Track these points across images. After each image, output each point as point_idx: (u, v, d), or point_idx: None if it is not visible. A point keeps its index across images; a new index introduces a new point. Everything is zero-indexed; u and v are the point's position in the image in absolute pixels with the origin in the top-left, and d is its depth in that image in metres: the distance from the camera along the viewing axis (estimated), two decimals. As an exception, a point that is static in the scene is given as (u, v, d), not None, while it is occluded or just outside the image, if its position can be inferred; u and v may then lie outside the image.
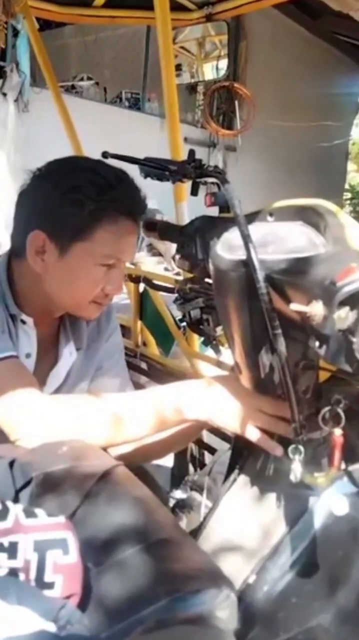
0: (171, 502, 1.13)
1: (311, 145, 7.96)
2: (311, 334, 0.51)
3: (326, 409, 0.65)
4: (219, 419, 0.75)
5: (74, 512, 0.56)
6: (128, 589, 0.44)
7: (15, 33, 4.47)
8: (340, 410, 0.66)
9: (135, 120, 6.11)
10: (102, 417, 0.77)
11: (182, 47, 2.08)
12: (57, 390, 0.97)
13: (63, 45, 6.71)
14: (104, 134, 4.98)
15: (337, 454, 0.66)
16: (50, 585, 0.42)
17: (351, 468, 0.71)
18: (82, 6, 1.69)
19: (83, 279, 0.89)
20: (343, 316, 0.47)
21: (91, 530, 0.53)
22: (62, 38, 6.66)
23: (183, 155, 1.30)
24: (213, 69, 2.17)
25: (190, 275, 0.90)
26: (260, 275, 0.57)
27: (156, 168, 0.86)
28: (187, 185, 0.97)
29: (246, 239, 0.58)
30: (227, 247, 0.66)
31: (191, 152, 0.87)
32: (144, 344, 1.74)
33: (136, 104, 6.47)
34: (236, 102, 7.00)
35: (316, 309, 0.49)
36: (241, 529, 0.76)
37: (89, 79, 6.12)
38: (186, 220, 1.30)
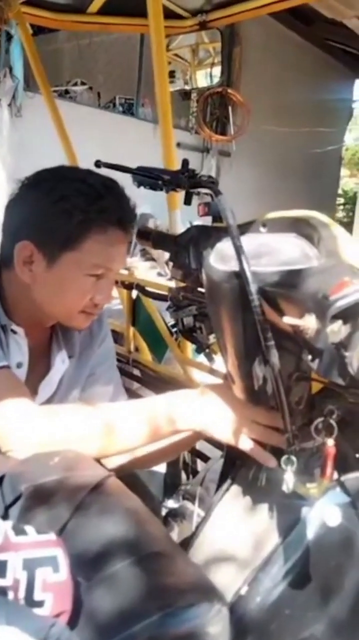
0: (164, 511, 1.13)
1: (305, 151, 8.01)
2: (304, 347, 0.51)
3: (319, 420, 0.65)
4: (212, 429, 0.75)
5: (65, 524, 0.55)
6: (119, 604, 0.44)
7: (9, 37, 4.47)
8: (333, 421, 0.66)
9: (128, 126, 6.12)
10: (95, 428, 0.76)
11: (175, 55, 2.09)
12: (50, 399, 0.96)
13: (57, 49, 6.72)
14: (98, 139, 4.99)
15: (329, 465, 0.66)
16: (40, 604, 0.41)
17: (343, 478, 0.71)
18: (76, 13, 1.69)
19: (72, 289, 0.88)
20: (336, 330, 0.47)
21: (82, 543, 0.53)
22: (55, 42, 6.66)
23: (176, 162, 1.31)
24: (207, 76, 2.18)
25: (183, 284, 0.90)
26: (253, 287, 0.57)
27: (149, 177, 0.87)
28: (181, 193, 0.97)
29: (239, 251, 0.58)
30: (220, 258, 0.66)
31: (185, 162, 0.87)
32: (137, 350, 1.73)
33: (129, 109, 6.48)
34: (230, 108, 7.03)
35: (309, 323, 0.49)
36: (234, 539, 0.76)
37: (83, 83, 6.12)
38: (179, 228, 1.30)
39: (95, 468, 0.68)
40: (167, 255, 0.91)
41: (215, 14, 1.66)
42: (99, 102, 6.52)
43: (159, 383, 1.60)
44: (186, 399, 0.78)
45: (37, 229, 0.88)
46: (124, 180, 0.93)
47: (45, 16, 1.67)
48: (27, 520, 0.57)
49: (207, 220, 0.87)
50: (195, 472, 1.39)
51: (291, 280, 0.55)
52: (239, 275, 0.59)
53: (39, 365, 0.95)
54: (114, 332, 1.83)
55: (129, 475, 1.11)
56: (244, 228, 0.74)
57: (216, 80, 1.96)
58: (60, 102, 2.10)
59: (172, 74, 2.26)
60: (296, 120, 7.32)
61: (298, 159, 8.03)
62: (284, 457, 0.66)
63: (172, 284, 0.93)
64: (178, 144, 6.41)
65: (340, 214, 11.30)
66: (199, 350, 1.08)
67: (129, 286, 1.54)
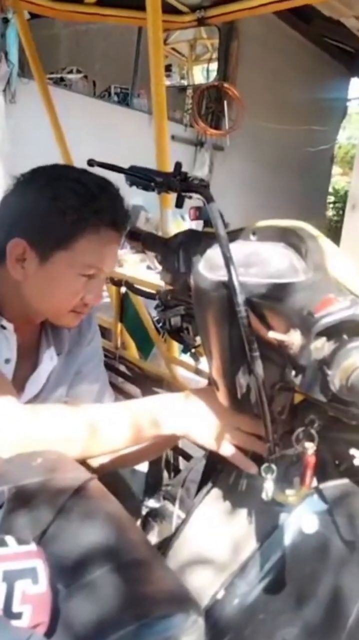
0: (144, 510, 1.14)
1: (298, 149, 8.02)
2: (288, 361, 0.52)
3: (300, 429, 0.66)
4: (195, 435, 0.76)
5: (47, 528, 0.56)
6: (96, 613, 0.44)
7: (5, 21, 4.39)
8: (313, 431, 0.67)
9: (123, 116, 6.07)
10: (78, 429, 0.76)
11: (173, 49, 2.07)
12: (37, 395, 0.96)
13: (53, 35, 6.61)
14: (92, 128, 4.94)
15: (309, 474, 0.67)
16: (18, 616, 0.41)
17: (321, 486, 0.73)
18: (74, 2, 1.67)
19: (63, 288, 0.88)
20: (319, 346, 0.48)
21: (62, 548, 0.53)
22: (52, 28, 6.56)
23: (169, 158, 1.30)
24: (203, 72, 2.17)
25: (171, 287, 0.90)
26: (240, 298, 0.57)
27: (141, 178, 0.86)
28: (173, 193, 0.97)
29: (228, 261, 0.58)
30: (209, 266, 0.67)
31: (178, 165, 0.87)
32: (124, 346, 1.73)
33: (124, 100, 6.42)
34: (225, 102, 7.00)
35: (294, 338, 0.49)
36: (212, 543, 0.76)
37: (79, 71, 6.04)
38: (170, 227, 1.30)
39: (77, 470, 0.68)
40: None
41: (214, 10, 1.65)
42: (95, 91, 6.44)
43: (144, 380, 1.60)
44: (171, 403, 0.78)
45: (31, 227, 0.87)
46: (118, 175, 0.92)
47: (43, 4, 1.65)
48: (9, 524, 0.57)
49: (198, 225, 0.87)
50: (177, 471, 1.40)
51: (278, 293, 0.55)
52: (228, 286, 0.60)
53: (27, 361, 0.95)
54: (101, 327, 1.83)
55: (110, 473, 1.11)
56: (234, 235, 0.74)
57: (213, 76, 1.94)
58: (54, 90, 2.08)
59: (168, 68, 2.26)
60: (291, 117, 7.31)
61: (291, 155, 8.03)
62: (264, 466, 0.67)
63: (161, 281, 0.93)
64: (172, 137, 6.37)
65: (330, 212, 11.35)
66: (185, 350, 1.08)
67: (118, 282, 1.54)
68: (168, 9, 1.62)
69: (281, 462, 0.70)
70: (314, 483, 0.72)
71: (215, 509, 0.80)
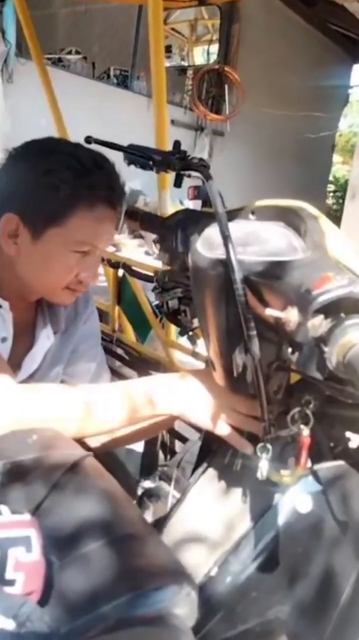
0: (140, 491, 1.14)
1: (299, 135, 7.95)
2: (284, 339, 0.51)
3: (296, 409, 0.66)
4: (191, 415, 0.76)
5: (41, 503, 0.56)
6: (90, 584, 0.45)
7: (2, 0, 4.30)
8: (309, 412, 0.67)
9: (122, 98, 6.00)
10: (74, 408, 0.76)
11: (173, 29, 2.04)
12: (33, 374, 0.96)
13: (52, 14, 6.51)
14: (90, 110, 4.88)
15: (304, 454, 0.67)
16: (11, 583, 0.42)
17: (316, 467, 0.73)
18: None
19: (56, 265, 0.87)
20: (317, 324, 0.47)
21: (56, 522, 0.53)
22: (51, 7, 6.45)
23: (169, 140, 1.28)
24: (204, 53, 2.13)
25: (169, 268, 0.90)
26: (238, 276, 0.57)
27: (140, 157, 0.85)
28: (171, 173, 0.96)
29: (227, 239, 0.57)
30: (208, 245, 0.66)
31: (177, 143, 0.86)
32: (121, 329, 1.73)
33: (124, 82, 6.34)
34: (226, 87, 6.92)
35: (291, 316, 0.49)
36: (206, 521, 0.77)
37: (77, 52, 5.96)
38: (169, 207, 1.29)
39: (72, 447, 0.68)
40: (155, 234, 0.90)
41: (215, -11, 1.62)
42: (94, 72, 6.36)
43: (141, 363, 1.60)
44: (167, 383, 0.78)
45: (23, 202, 0.86)
46: (115, 156, 0.91)
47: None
48: (3, 497, 0.57)
49: (197, 204, 0.86)
50: (173, 453, 1.41)
51: (276, 271, 0.55)
52: (225, 263, 0.59)
53: (24, 340, 0.94)
54: (99, 310, 1.82)
55: (106, 453, 1.12)
56: (233, 214, 0.74)
57: (213, 58, 1.91)
58: (53, 71, 2.05)
59: (168, 49, 2.23)
60: (292, 104, 7.25)
61: (292, 142, 7.97)
62: (259, 445, 0.67)
63: (159, 264, 0.92)
64: (172, 121, 6.31)
65: (330, 201, 11.29)
66: (182, 332, 1.08)
67: (115, 265, 1.53)
68: (169, -13, 1.59)
69: (276, 442, 0.70)
70: (309, 465, 0.72)
71: (210, 488, 0.80)
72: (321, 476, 0.73)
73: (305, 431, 0.67)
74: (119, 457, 1.25)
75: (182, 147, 0.86)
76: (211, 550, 0.73)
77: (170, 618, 0.43)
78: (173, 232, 0.81)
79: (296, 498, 0.71)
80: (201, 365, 1.23)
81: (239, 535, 0.72)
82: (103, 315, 1.77)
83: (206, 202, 0.84)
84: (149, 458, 1.22)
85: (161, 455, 1.39)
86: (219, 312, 0.63)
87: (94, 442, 0.88)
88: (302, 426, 0.67)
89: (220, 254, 0.62)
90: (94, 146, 0.90)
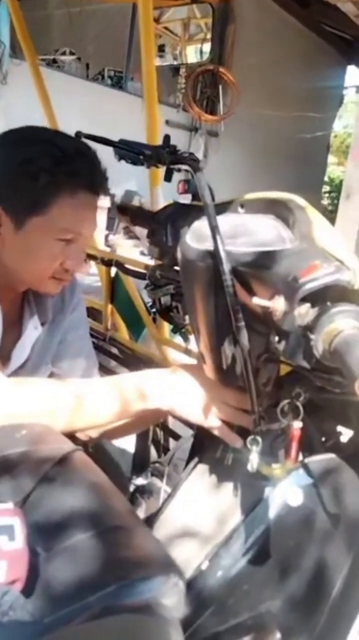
0: (132, 488, 1.14)
1: (294, 136, 7.97)
2: (272, 328, 0.51)
3: (285, 402, 0.66)
4: (181, 409, 0.76)
5: (28, 495, 0.55)
6: (76, 575, 0.44)
7: (-4, 0, 4.30)
8: (299, 404, 0.67)
9: (117, 99, 5.99)
10: (63, 402, 0.76)
11: (166, 28, 2.04)
12: (23, 365, 0.96)
13: (46, 16, 6.50)
14: (84, 111, 4.88)
15: (294, 447, 0.67)
16: (-6, 571, 0.41)
17: (307, 460, 0.73)
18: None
19: (40, 253, 0.86)
20: (303, 312, 0.47)
21: (43, 514, 0.53)
22: (45, 8, 6.45)
23: (160, 138, 1.28)
24: (197, 52, 2.14)
25: (159, 262, 0.90)
26: (226, 267, 0.56)
27: (130, 151, 0.85)
28: (162, 170, 0.96)
29: (214, 230, 0.57)
30: (196, 237, 0.66)
31: (166, 138, 0.86)
32: (115, 327, 1.73)
33: (118, 82, 6.33)
34: (220, 87, 6.93)
35: (278, 304, 0.49)
36: (197, 516, 0.77)
37: (72, 53, 5.95)
38: (160, 205, 1.29)
39: (62, 442, 0.68)
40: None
41: (207, -13, 1.62)
42: (88, 73, 6.36)
43: (135, 361, 1.60)
44: (157, 377, 0.78)
45: (4, 192, 0.85)
46: (106, 154, 0.91)
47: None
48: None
49: (186, 198, 0.86)
50: (166, 450, 1.40)
51: (263, 261, 0.55)
52: (214, 255, 0.59)
53: (11, 331, 0.94)
54: (93, 309, 1.82)
55: (99, 451, 1.11)
56: (223, 208, 0.73)
57: (206, 56, 1.91)
58: (47, 72, 2.04)
59: (161, 48, 2.22)
60: (286, 104, 7.26)
61: (286, 143, 7.98)
62: (249, 438, 0.67)
63: (152, 261, 0.92)
64: (166, 122, 6.31)
65: (326, 202, 11.32)
66: (175, 330, 1.08)
67: (108, 263, 1.53)
68: (161, -15, 1.59)
69: (267, 435, 0.70)
70: (300, 458, 0.72)
71: (201, 483, 0.80)
72: (312, 469, 0.73)
73: (295, 424, 0.67)
74: (112, 455, 1.25)
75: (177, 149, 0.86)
76: (202, 544, 0.73)
77: (157, 608, 0.43)
78: (163, 226, 0.81)
79: (287, 491, 0.70)
80: (193, 362, 1.22)
81: (230, 529, 0.72)
82: (97, 315, 1.76)
83: (196, 196, 0.84)
84: (141, 455, 1.22)
85: (154, 452, 1.39)
86: (208, 304, 0.63)
87: (83, 436, 0.88)
88: (292, 418, 0.67)
89: (209, 245, 0.62)
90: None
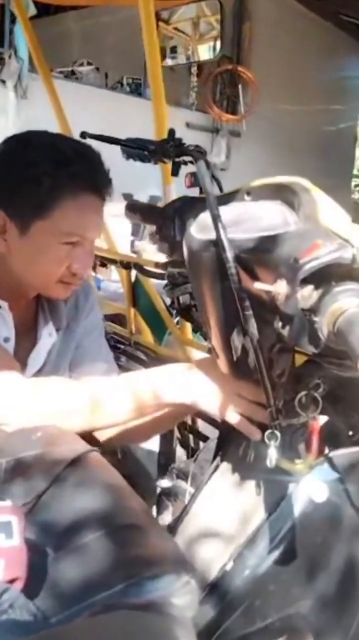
0: (158, 490, 1.13)
1: (318, 130, 7.84)
2: (276, 314, 0.49)
3: (302, 393, 0.63)
4: (198, 402, 0.74)
5: (40, 495, 0.55)
6: (84, 575, 0.43)
7: (13, 19, 4.40)
8: (317, 395, 0.64)
9: (136, 106, 6.02)
10: (81, 402, 0.76)
11: (175, 28, 2.03)
12: (39, 372, 0.96)
13: (65, 31, 6.63)
14: (104, 120, 4.92)
15: (314, 440, 0.65)
16: (-9, 570, 0.41)
17: (332, 454, 0.70)
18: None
19: (46, 258, 0.86)
20: (307, 295, 0.45)
21: (55, 514, 0.52)
22: (63, 24, 6.57)
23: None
24: (210, 50, 2.12)
25: (170, 259, 0.88)
26: (229, 254, 0.55)
27: (134, 148, 0.84)
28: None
29: (215, 217, 0.56)
30: (200, 228, 0.64)
31: (171, 132, 0.85)
32: (138, 331, 1.72)
33: (137, 89, 6.38)
34: (240, 86, 6.89)
35: (280, 288, 0.47)
36: (221, 515, 0.75)
37: (89, 64, 6.03)
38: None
39: (76, 443, 0.67)
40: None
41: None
42: (107, 82, 6.43)
43: (160, 364, 1.58)
44: (173, 373, 0.77)
45: (7, 198, 0.86)
46: (116, 156, 0.90)
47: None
48: (3, 493, 0.57)
49: (195, 192, 0.84)
50: (195, 453, 1.38)
51: (265, 245, 0.53)
52: (217, 244, 0.57)
53: (27, 339, 0.94)
54: (117, 315, 1.81)
55: (127, 455, 1.11)
56: (229, 197, 0.72)
57: (217, 52, 1.90)
58: (66, 84, 2.06)
59: (174, 50, 2.21)
60: (308, 98, 7.16)
61: (311, 138, 7.86)
62: (267, 432, 0.65)
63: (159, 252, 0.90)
64: (187, 124, 6.31)
65: (356, 196, 11.08)
66: (195, 329, 1.06)
67: (127, 266, 1.52)
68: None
69: (287, 431, 0.68)
70: (326, 452, 0.69)
71: (224, 482, 0.78)
72: (338, 463, 0.70)
73: (314, 416, 0.65)
74: (139, 458, 1.24)
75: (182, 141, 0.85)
76: (226, 544, 0.71)
77: (165, 606, 0.42)
78: (171, 220, 0.80)
79: (311, 487, 0.68)
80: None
81: (254, 528, 0.69)
82: (123, 320, 1.77)
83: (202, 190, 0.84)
84: (165, 457, 1.20)
85: (184, 456, 1.37)
86: (215, 294, 0.61)
87: (106, 437, 0.87)
88: (312, 412, 0.64)
89: (212, 235, 0.60)
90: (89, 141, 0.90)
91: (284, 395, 0.66)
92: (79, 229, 0.86)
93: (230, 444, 0.80)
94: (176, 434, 1.29)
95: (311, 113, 7.31)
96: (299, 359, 0.65)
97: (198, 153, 0.75)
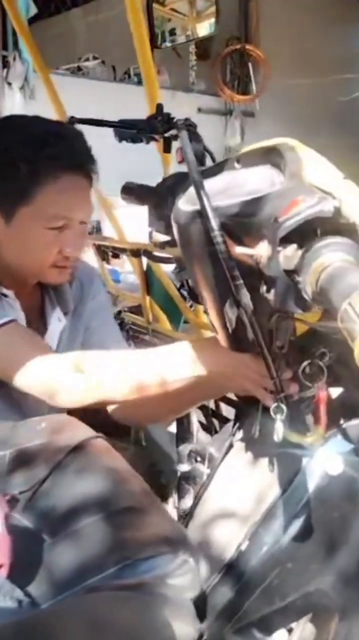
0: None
1: (332, 101, 7.63)
2: (260, 278, 0.47)
3: (306, 362, 0.60)
4: (210, 375, 0.72)
5: (41, 483, 0.54)
6: (79, 559, 0.43)
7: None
8: (322, 364, 0.62)
9: (144, 95, 5.99)
10: (123, 374, 0.75)
11: (172, 9, 1.99)
12: None
13: (67, 29, 6.62)
14: (113, 112, 4.90)
15: (322, 411, 0.62)
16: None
17: (345, 425, 0.67)
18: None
19: (34, 244, 0.85)
20: (290, 255, 0.42)
21: (54, 501, 0.52)
22: (66, 22, 6.56)
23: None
24: (210, 27, 2.07)
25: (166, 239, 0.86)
26: (214, 222, 0.52)
27: (122, 128, 0.82)
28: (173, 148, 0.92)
29: (197, 185, 0.53)
30: (188, 201, 0.62)
31: (159, 107, 0.83)
32: (155, 319, 1.71)
33: (145, 79, 6.31)
34: (250, 65, 6.75)
35: (262, 250, 0.44)
36: (235, 495, 0.73)
37: (95, 58, 6.00)
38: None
39: (79, 430, 0.66)
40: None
41: None
42: (115, 75, 6.39)
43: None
44: (181, 349, 0.75)
45: None
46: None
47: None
48: (6, 484, 0.56)
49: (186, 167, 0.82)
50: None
51: (249, 209, 0.50)
52: (202, 213, 0.55)
53: (36, 326, 0.94)
54: (138, 307, 1.80)
55: (149, 440, 1.10)
56: (219, 167, 0.69)
57: (214, 27, 1.84)
58: (72, 80, 2.05)
59: (173, 32, 2.17)
60: (320, 70, 6.95)
61: (325, 111, 7.64)
62: (273, 405, 0.63)
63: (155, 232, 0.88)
64: (199, 109, 6.22)
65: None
66: (206, 310, 1.04)
67: (136, 253, 1.51)
68: None
69: (296, 403, 0.65)
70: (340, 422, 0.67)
71: (238, 460, 0.76)
72: (352, 434, 0.67)
73: (321, 386, 0.62)
74: (164, 446, 1.23)
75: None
76: (241, 523, 0.69)
77: (157, 587, 0.40)
78: (165, 197, 0.78)
79: (326, 460, 0.65)
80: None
81: (269, 505, 0.67)
82: (138, 309, 1.76)
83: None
84: (183, 441, 1.19)
85: (208, 439, 1.36)
86: (206, 267, 0.59)
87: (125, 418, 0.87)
88: (318, 379, 0.62)
89: (198, 206, 0.58)
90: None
91: (286, 365, 0.64)
92: (64, 210, 0.84)
93: (243, 422, 0.78)
94: (200, 417, 1.28)
95: (324, 85, 7.09)
96: (301, 329, 0.63)
97: (184, 125, 0.73)
